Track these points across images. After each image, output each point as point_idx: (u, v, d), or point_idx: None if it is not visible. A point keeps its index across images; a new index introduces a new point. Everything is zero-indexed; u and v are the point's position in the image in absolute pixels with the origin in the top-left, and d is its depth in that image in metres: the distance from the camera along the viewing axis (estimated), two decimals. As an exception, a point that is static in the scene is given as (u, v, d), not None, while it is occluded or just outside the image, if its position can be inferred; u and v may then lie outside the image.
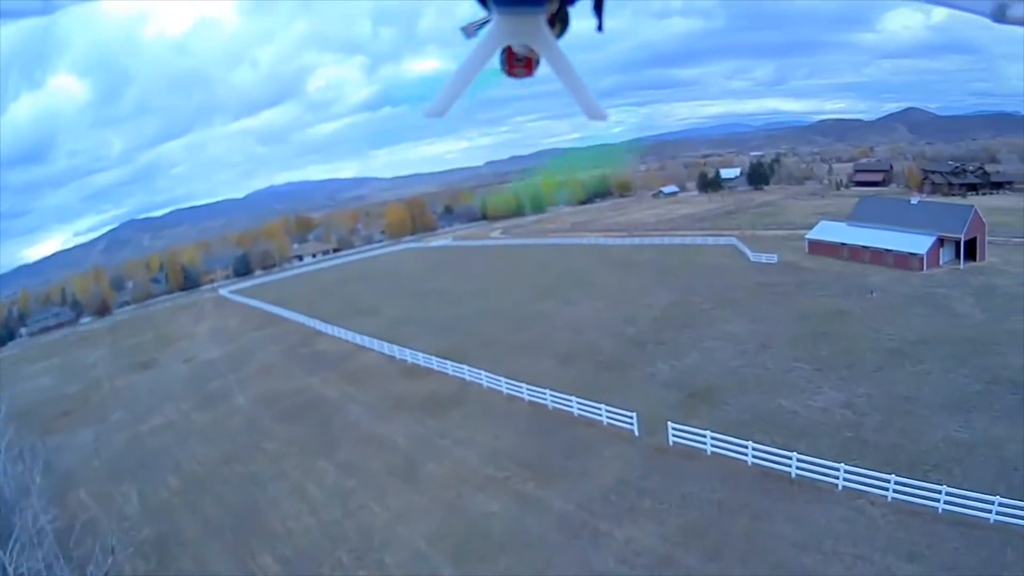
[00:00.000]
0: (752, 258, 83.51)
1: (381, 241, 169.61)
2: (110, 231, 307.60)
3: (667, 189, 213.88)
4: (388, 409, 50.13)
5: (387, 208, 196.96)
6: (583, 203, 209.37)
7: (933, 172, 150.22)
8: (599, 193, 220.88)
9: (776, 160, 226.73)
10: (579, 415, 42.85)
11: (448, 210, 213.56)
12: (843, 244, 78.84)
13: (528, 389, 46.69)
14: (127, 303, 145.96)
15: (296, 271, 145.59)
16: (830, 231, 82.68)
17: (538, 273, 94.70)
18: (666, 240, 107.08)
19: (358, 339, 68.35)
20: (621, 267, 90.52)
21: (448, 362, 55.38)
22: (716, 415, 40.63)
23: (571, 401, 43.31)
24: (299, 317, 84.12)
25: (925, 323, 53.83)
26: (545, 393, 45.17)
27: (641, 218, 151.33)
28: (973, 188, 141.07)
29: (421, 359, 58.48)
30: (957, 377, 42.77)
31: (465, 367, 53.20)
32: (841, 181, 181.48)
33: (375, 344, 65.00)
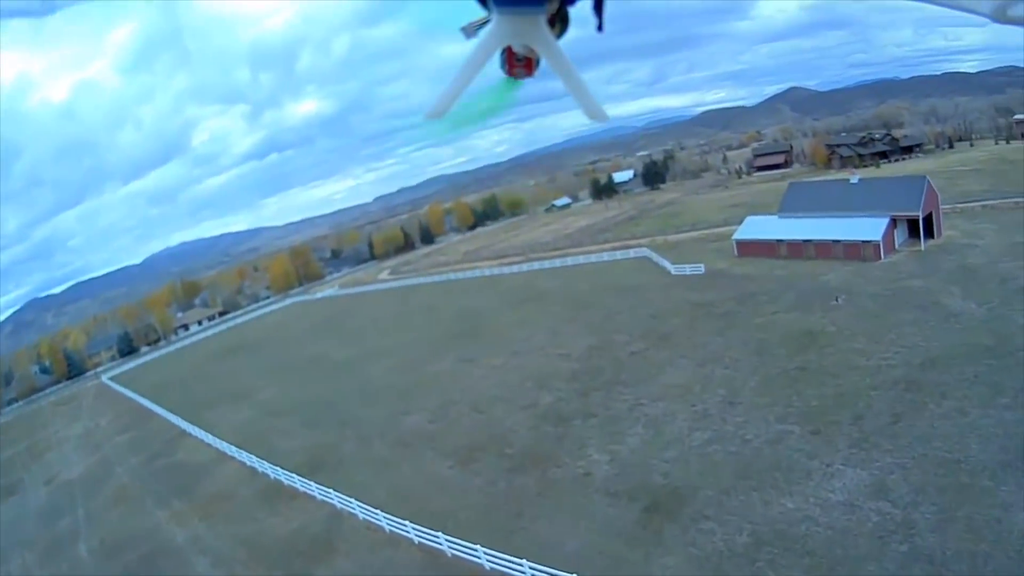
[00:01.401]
0: (674, 271, 72.33)
1: (268, 297, 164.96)
2: (14, 313, 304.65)
3: (560, 201, 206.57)
4: (240, 563, 35.10)
5: (271, 262, 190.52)
6: (473, 228, 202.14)
7: (839, 145, 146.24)
8: (489, 215, 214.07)
9: (669, 156, 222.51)
10: (491, 569, 28.97)
11: (335, 254, 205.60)
12: (779, 241, 68.60)
13: (415, 529, 32.48)
14: (14, 400, 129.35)
15: (180, 344, 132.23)
16: (761, 227, 72.64)
17: (428, 321, 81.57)
18: (569, 261, 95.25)
19: (221, 445, 54.21)
20: (523, 302, 77.64)
21: (314, 484, 40.73)
22: (695, 542, 27.15)
23: (476, 549, 29.32)
24: (166, 413, 71.45)
25: (921, 333, 43.04)
26: (439, 537, 31.02)
27: (537, 237, 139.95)
28: (883, 156, 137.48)
29: (284, 476, 43.85)
30: (1001, 413, 31.49)
31: (333, 492, 38.62)
32: (741, 169, 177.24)
33: (237, 453, 51.68)
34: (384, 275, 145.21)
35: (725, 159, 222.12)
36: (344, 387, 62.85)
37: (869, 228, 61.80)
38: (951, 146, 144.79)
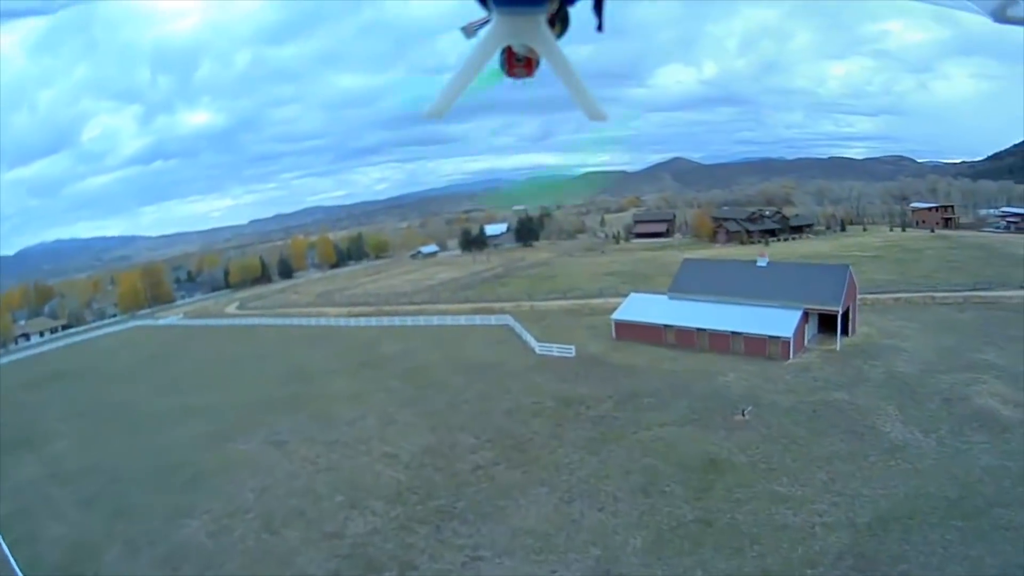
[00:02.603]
0: (539, 350, 60.51)
1: (115, 316, 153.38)
2: None
3: (426, 249, 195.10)
4: None
5: (121, 277, 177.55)
6: (335, 266, 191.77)
7: (726, 219, 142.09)
8: (353, 254, 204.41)
9: (546, 214, 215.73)
10: None
11: (191, 277, 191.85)
12: (668, 327, 58.48)
13: None
14: None
15: (14, 356, 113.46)
16: (646, 307, 62.29)
17: (255, 376, 67.33)
18: (422, 321, 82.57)
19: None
20: (362, 367, 64.03)
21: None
22: None
23: None
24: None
25: (861, 473, 32.85)
26: None
27: (397, 285, 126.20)
28: (772, 234, 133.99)
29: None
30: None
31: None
32: (619, 233, 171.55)
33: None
34: (232, 308, 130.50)
35: (603, 222, 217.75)
36: (141, 452, 49.08)
37: (778, 321, 52.63)
38: (843, 228, 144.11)
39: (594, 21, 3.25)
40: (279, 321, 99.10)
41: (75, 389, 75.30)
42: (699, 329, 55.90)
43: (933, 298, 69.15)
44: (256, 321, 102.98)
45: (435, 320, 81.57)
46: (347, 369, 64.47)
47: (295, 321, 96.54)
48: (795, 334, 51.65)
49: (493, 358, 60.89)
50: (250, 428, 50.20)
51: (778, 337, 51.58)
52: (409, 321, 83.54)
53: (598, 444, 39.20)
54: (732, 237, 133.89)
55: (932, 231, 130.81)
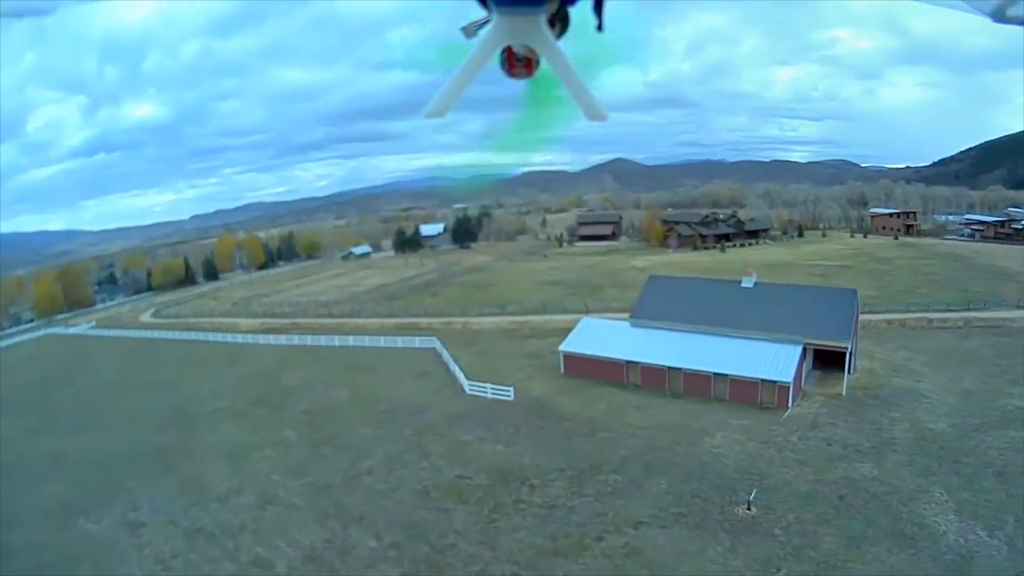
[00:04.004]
0: (469, 389, 47.83)
1: (31, 320, 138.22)
2: None
3: (358, 249, 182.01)
4: None
5: (36, 279, 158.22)
6: (263, 267, 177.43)
7: (678, 223, 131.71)
8: (283, 254, 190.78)
9: (485, 214, 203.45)
10: None
11: (113, 279, 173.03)
12: (631, 363, 46.19)
13: None
14: None
15: None
16: (602, 337, 49.85)
17: (135, 415, 52.77)
18: (336, 341, 69.09)
19: None
20: (252, 407, 50.69)
21: None
22: None
23: None
24: None
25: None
26: None
27: (319, 292, 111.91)
28: (727, 238, 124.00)
29: None
30: None
31: None
32: (562, 236, 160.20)
33: None
34: (146, 316, 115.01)
35: (545, 223, 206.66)
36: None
37: (772, 359, 41.09)
38: (800, 234, 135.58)
39: (594, 21, 3.15)
40: (185, 336, 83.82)
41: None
42: (671, 368, 43.82)
43: (929, 321, 59.22)
44: (163, 335, 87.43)
45: (351, 340, 68.09)
46: (239, 408, 50.91)
47: (202, 336, 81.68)
48: (795, 377, 40.24)
49: (412, 398, 47.93)
50: (110, 495, 37.17)
51: (774, 382, 39.97)
52: (323, 340, 69.80)
53: (547, 559, 26.73)
54: (684, 241, 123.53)
55: (896, 238, 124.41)
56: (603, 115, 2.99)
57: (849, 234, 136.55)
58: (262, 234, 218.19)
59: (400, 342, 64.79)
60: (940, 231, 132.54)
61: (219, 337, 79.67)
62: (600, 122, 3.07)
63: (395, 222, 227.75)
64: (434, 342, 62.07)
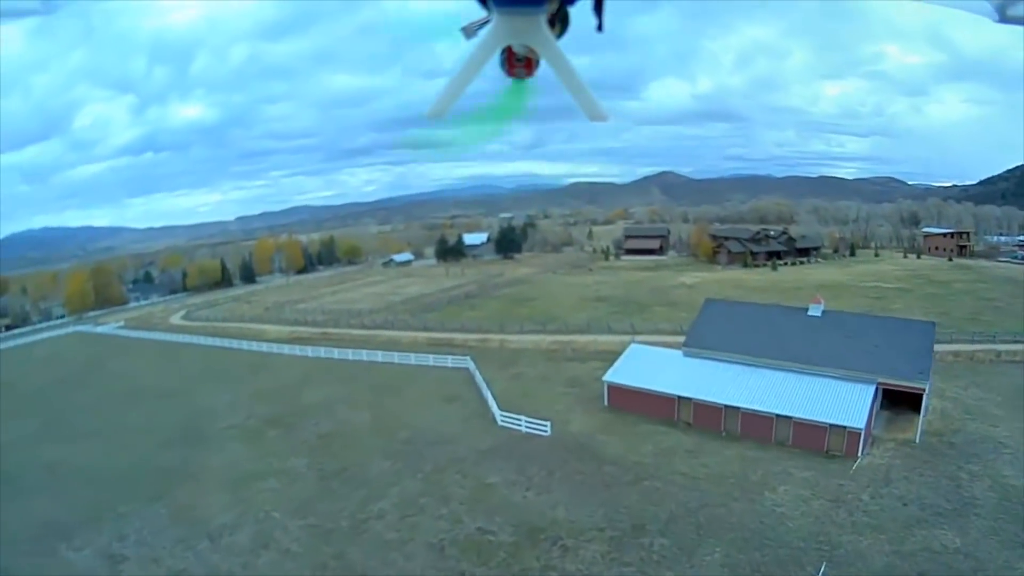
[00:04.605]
0: (501, 419, 43.41)
1: (62, 317, 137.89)
2: None
3: (399, 257, 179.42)
4: None
5: (68, 276, 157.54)
6: (301, 271, 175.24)
7: (727, 238, 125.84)
8: (323, 259, 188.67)
9: (530, 224, 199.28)
10: None
11: (148, 278, 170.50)
12: (682, 399, 41.15)
13: None
14: None
15: None
16: (651, 367, 44.68)
17: (142, 425, 50.02)
18: (364, 356, 65.31)
19: None
20: (264, 426, 47.07)
21: None
22: None
23: None
24: None
25: None
26: None
27: (355, 299, 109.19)
28: (778, 256, 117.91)
29: None
30: None
31: None
32: (608, 249, 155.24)
33: None
34: (176, 318, 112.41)
35: (591, 235, 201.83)
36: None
37: (842, 400, 35.93)
38: (852, 253, 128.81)
39: (594, 22, 3.10)
40: (211, 342, 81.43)
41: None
42: (728, 407, 38.94)
43: (998, 354, 53.17)
44: (189, 339, 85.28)
45: (379, 356, 64.27)
46: (252, 427, 47.38)
47: (228, 343, 79.02)
48: (867, 422, 35.14)
49: (438, 427, 43.71)
50: (98, 519, 34.03)
51: (844, 427, 34.91)
52: (350, 355, 66.18)
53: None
54: (734, 258, 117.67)
55: (950, 259, 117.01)
56: (603, 115, 2.89)
57: (902, 254, 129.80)
58: (303, 238, 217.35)
59: (432, 360, 60.74)
60: (993, 252, 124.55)
61: (244, 345, 76.72)
62: (600, 122, 2.95)
63: (440, 229, 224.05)
64: (468, 362, 57.95)
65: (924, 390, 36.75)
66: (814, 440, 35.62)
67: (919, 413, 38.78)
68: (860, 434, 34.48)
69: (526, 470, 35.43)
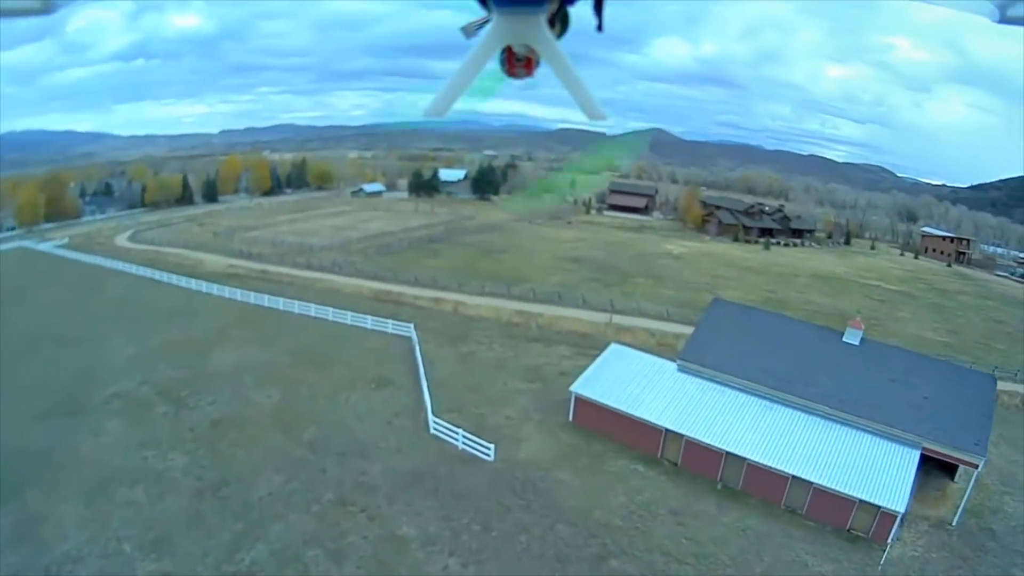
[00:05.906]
0: (433, 426, 33.65)
1: (13, 229, 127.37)
2: None
3: (370, 187, 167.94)
4: None
5: (19, 187, 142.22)
6: (267, 194, 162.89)
7: (719, 207, 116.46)
8: (292, 182, 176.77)
9: (512, 165, 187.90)
10: None
11: (108, 190, 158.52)
12: (670, 432, 31.43)
13: None
14: None
15: None
16: (632, 383, 34.42)
17: (30, 383, 39.69)
18: (295, 308, 55.14)
19: None
20: (156, 399, 38.42)
21: None
22: None
23: None
24: None
25: None
26: None
27: (313, 231, 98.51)
28: (770, 233, 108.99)
29: None
30: None
31: None
32: (590, 201, 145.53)
33: None
34: (122, 239, 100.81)
35: (574, 183, 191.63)
36: None
37: (879, 467, 27.08)
38: (848, 241, 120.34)
39: (594, 22, 3.12)
40: (143, 272, 70.29)
41: None
42: (730, 454, 29.58)
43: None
44: (123, 267, 74.02)
45: (312, 310, 54.45)
46: (140, 397, 37.74)
47: (158, 276, 68.12)
48: (908, 503, 26.47)
49: (354, 426, 33.98)
50: None
51: (878, 507, 26.15)
52: (281, 304, 56.12)
53: None
54: (725, 230, 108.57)
55: (949, 264, 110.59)
56: (602, 115, 2.84)
57: (899, 251, 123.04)
58: (275, 157, 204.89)
59: (370, 323, 50.95)
60: (989, 263, 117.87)
61: (174, 280, 66.07)
62: (599, 121, 2.91)
63: (420, 161, 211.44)
64: (411, 331, 48.31)
65: (978, 466, 28.08)
66: (836, 514, 26.81)
67: (952, 477, 30.48)
68: (896, 517, 25.77)
69: (454, 519, 26.03)
